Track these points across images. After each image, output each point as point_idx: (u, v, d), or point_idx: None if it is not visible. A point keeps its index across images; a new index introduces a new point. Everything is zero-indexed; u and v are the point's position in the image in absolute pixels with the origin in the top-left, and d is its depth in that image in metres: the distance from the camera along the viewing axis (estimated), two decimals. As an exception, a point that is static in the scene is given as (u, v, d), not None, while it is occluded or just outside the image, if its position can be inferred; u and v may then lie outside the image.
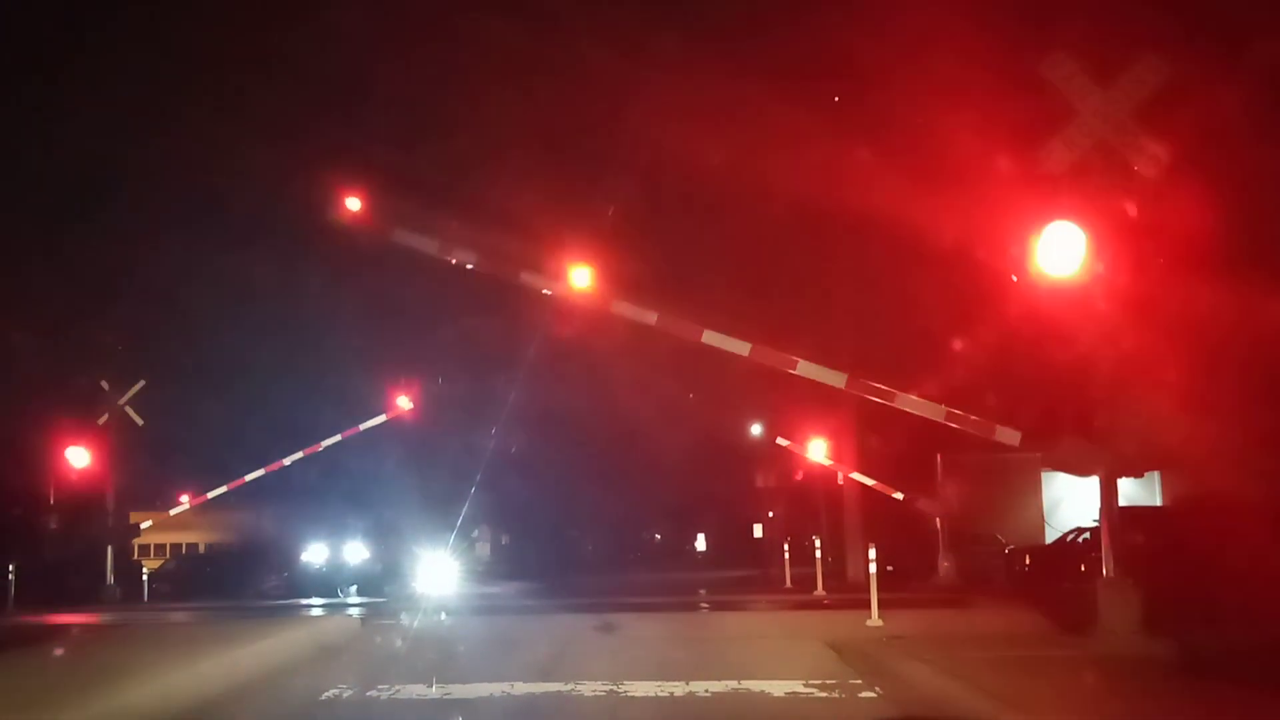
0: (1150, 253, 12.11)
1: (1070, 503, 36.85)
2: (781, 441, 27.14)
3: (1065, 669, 10.36)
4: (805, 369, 14.18)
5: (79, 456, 24.95)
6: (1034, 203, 11.73)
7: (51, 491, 29.24)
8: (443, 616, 15.58)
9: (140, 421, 26.27)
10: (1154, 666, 10.36)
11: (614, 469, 54.43)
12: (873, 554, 14.29)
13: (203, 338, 30.25)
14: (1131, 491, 34.75)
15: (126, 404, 26.04)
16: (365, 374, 28.58)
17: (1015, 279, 12.53)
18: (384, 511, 33.07)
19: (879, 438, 26.70)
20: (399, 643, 13.23)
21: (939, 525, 26.20)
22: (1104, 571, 12.04)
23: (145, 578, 25.39)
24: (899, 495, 25.85)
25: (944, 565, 25.21)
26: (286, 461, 27.24)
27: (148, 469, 27.08)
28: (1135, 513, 30.54)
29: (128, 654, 11.84)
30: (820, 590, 19.93)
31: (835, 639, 12.74)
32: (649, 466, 57.15)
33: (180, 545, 41.01)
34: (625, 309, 14.60)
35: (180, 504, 28.40)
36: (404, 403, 27.02)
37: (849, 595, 19.75)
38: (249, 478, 27.39)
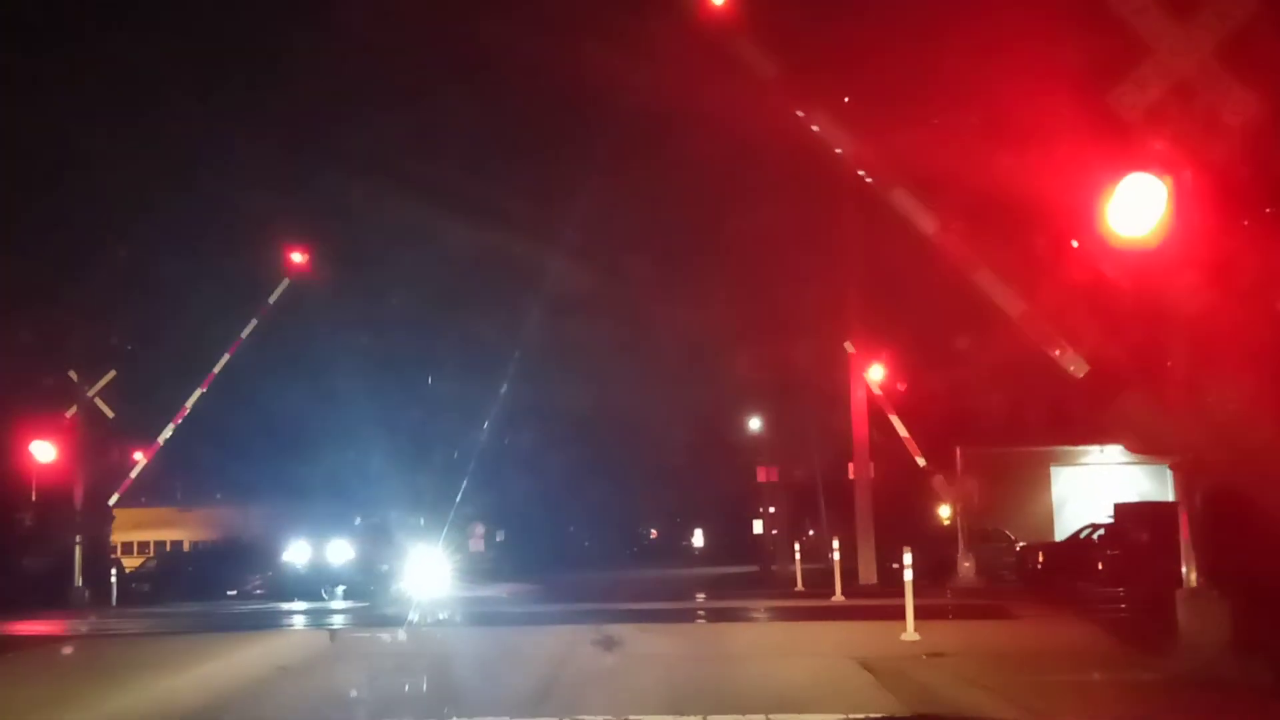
0: (1236, 213, 10.29)
1: (1077, 500, 35.35)
2: (848, 347, 24.79)
3: (1159, 697, 8.55)
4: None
5: (44, 451, 23.07)
6: (1104, 153, 9.96)
7: (33, 489, 27.34)
8: (425, 627, 13.68)
9: (111, 414, 24.41)
10: (1260, 694, 8.55)
11: (612, 463, 52.97)
12: (908, 559, 12.43)
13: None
14: (1147, 486, 33.15)
15: (96, 395, 24.16)
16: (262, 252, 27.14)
17: (1075, 244, 10.69)
18: (373, 507, 31.32)
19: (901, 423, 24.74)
20: (370, 664, 11.34)
21: (957, 522, 24.35)
22: (1185, 580, 10.20)
23: (114, 579, 23.40)
24: (922, 460, 23.89)
25: (964, 565, 23.34)
26: (216, 369, 26.01)
27: (120, 463, 25.10)
28: (1154, 509, 28.91)
29: (54, 678, 9.99)
30: (839, 595, 18.03)
31: (867, 656, 10.91)
32: (647, 461, 55.68)
33: (165, 543, 39.23)
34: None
35: (136, 462, 26.32)
36: (297, 258, 26.46)
37: (868, 601, 17.90)
38: (189, 404, 26.01)
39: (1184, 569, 10.22)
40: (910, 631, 11.92)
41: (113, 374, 24.48)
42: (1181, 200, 9.70)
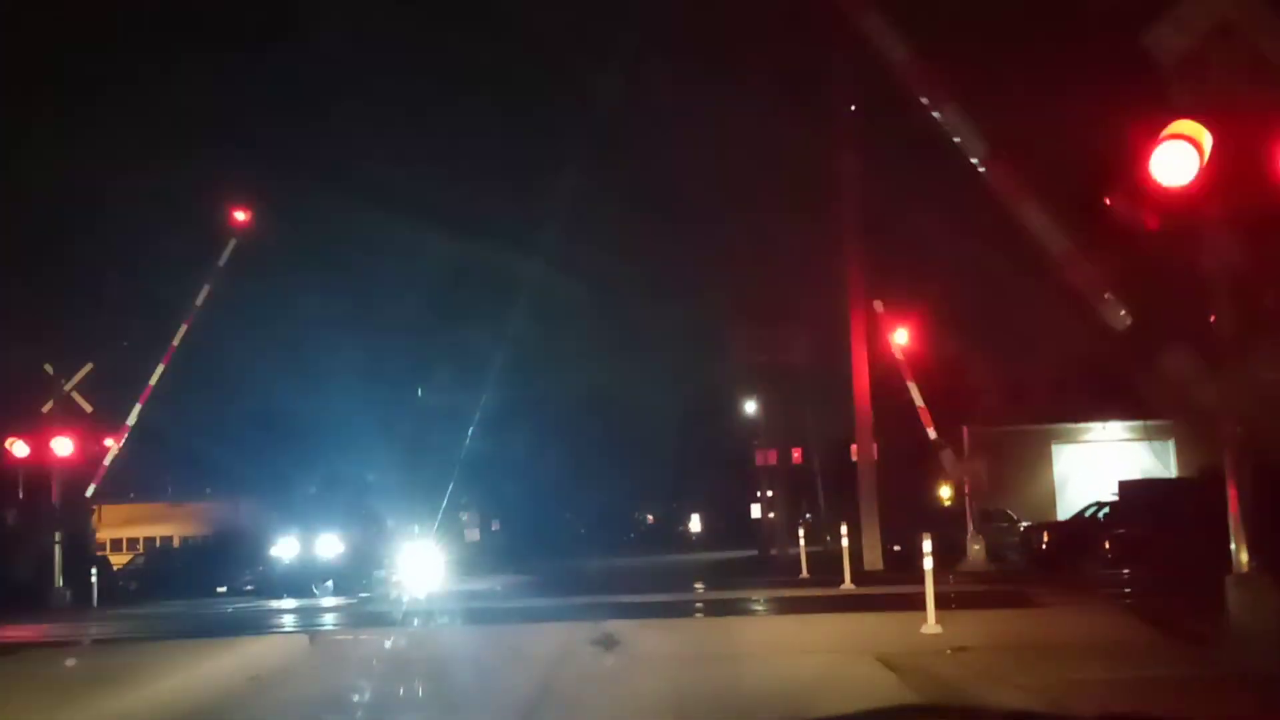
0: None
1: (1079, 478, 34.58)
2: (877, 306, 23.46)
3: (1211, 697, 7.62)
4: None
5: (20, 448, 21.99)
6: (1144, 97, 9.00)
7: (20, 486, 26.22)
8: (412, 627, 12.73)
9: (89, 408, 23.35)
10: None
11: (607, 448, 52.12)
12: (928, 546, 11.49)
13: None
14: (1149, 463, 32.23)
15: (73, 389, 23.11)
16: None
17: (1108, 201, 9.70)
18: (364, 498, 30.38)
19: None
20: (350, 671, 10.39)
21: (966, 503, 23.41)
22: (1234, 562, 9.26)
23: (94, 579, 22.37)
24: (933, 433, 22.85)
25: (974, 549, 22.38)
26: (176, 342, 24.87)
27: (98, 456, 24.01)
28: (1160, 486, 28.08)
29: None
30: (849, 583, 17.07)
31: (887, 652, 10.01)
32: (643, 446, 54.71)
33: (155, 539, 38.25)
34: None
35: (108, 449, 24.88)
36: (240, 215, 25.64)
37: (879, 588, 16.96)
38: (153, 381, 24.74)
39: (1233, 549, 9.28)
40: (931, 624, 11.01)
41: (90, 366, 23.44)
42: (1224, 150, 8.80)
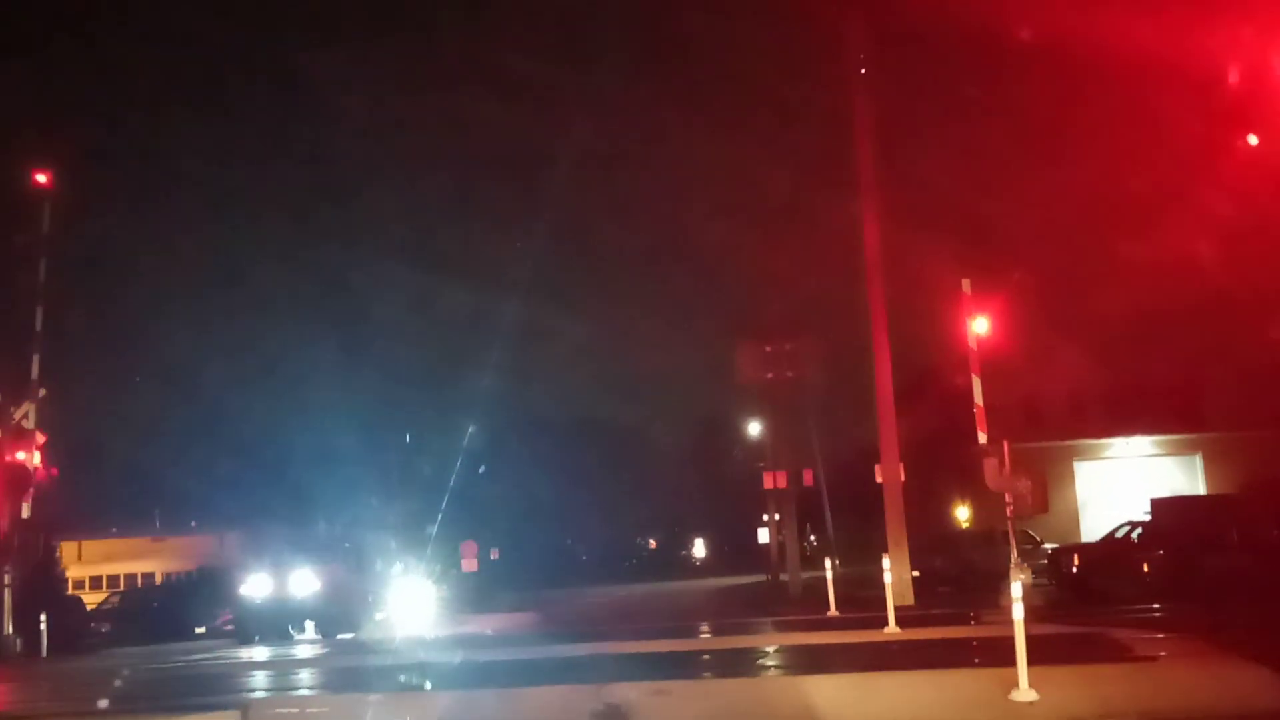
0: None
1: (1102, 496, 32.19)
2: (965, 286, 20.76)
3: None
4: None
5: None
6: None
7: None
8: (372, 696, 10.04)
9: (43, 438, 20.75)
10: None
11: (607, 474, 50.12)
12: (1018, 590, 8.84)
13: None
14: (1178, 479, 29.87)
15: (23, 417, 20.52)
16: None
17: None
18: (351, 528, 27.87)
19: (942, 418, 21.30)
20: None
21: (1009, 525, 20.77)
22: None
23: (44, 625, 19.71)
24: (983, 437, 20.23)
25: (1019, 578, 19.61)
26: (39, 326, 21.89)
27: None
28: (1196, 503, 25.69)
29: None
30: (893, 626, 14.32)
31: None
32: (644, 471, 52.48)
33: (136, 577, 35.53)
34: None
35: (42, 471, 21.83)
36: (41, 178, 23.17)
37: (926, 631, 14.23)
38: (35, 373, 21.62)
39: None
40: (1024, 688, 8.39)
41: (43, 393, 20.86)
42: None
